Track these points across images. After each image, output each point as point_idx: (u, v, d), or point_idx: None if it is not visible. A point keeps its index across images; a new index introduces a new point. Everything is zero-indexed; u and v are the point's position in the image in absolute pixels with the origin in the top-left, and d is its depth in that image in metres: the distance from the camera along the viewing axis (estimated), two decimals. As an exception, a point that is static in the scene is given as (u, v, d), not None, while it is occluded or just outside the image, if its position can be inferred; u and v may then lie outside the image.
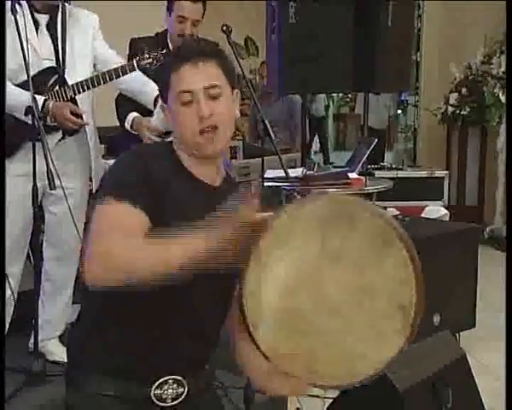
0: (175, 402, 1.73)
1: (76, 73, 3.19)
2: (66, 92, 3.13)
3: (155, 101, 3.33)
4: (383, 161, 6.81)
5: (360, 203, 1.54)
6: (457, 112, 6.80)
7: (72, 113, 3.11)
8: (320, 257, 1.51)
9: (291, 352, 1.55)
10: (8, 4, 2.99)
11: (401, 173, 5.88)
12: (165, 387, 1.71)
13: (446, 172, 6.24)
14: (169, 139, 1.79)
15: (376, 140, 4.60)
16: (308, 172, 4.25)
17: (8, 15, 2.97)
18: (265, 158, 3.26)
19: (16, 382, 3.00)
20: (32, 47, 3.08)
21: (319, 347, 1.54)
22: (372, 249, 1.49)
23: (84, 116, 3.18)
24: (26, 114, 2.96)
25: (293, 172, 3.86)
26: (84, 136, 3.28)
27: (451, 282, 3.87)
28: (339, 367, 1.55)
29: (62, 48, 3.18)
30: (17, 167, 3.12)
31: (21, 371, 3.06)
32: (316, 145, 11.67)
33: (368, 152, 4.43)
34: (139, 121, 3.41)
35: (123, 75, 3.18)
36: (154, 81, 3.23)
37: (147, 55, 3.15)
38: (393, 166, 6.30)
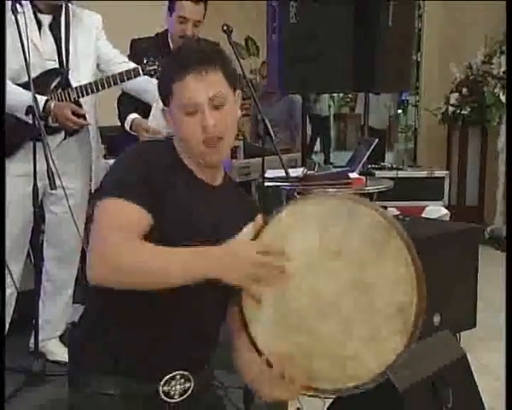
0: (182, 397, 1.73)
1: (79, 73, 3.19)
2: (69, 94, 3.14)
3: None
4: (383, 161, 6.80)
5: (361, 202, 1.54)
6: (458, 112, 6.79)
7: (73, 113, 3.11)
8: (319, 255, 1.51)
9: (287, 350, 1.55)
10: (9, 4, 2.99)
11: (401, 173, 5.86)
12: (173, 383, 1.71)
13: (446, 172, 6.23)
14: (170, 136, 1.78)
15: (377, 140, 4.59)
16: (308, 172, 4.25)
17: (9, 15, 2.97)
18: (266, 158, 3.26)
19: (16, 382, 3.01)
20: (35, 47, 3.08)
21: (315, 345, 1.54)
22: (372, 248, 1.49)
23: (86, 116, 3.19)
24: (26, 114, 2.97)
25: (293, 172, 3.85)
26: (86, 135, 3.29)
27: (451, 282, 3.86)
28: (334, 367, 1.54)
29: (66, 48, 3.18)
30: (17, 167, 3.13)
31: (21, 371, 3.07)
32: (316, 145, 11.67)
33: (368, 152, 4.43)
34: (138, 123, 3.41)
35: (127, 80, 3.19)
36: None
37: (151, 61, 3.15)
38: (394, 166, 6.29)
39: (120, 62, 3.32)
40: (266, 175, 3.39)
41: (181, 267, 1.52)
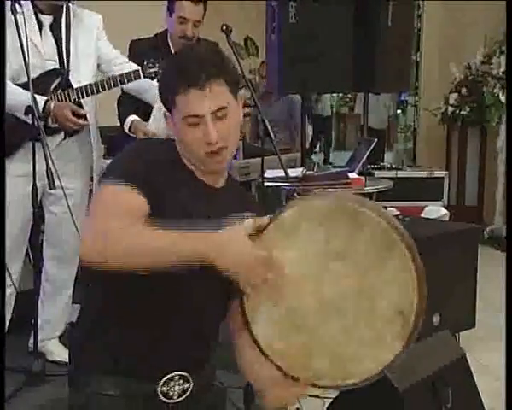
0: (181, 399, 1.73)
1: (80, 74, 3.19)
2: (69, 95, 3.14)
3: None
4: (383, 161, 6.81)
5: (366, 204, 1.53)
6: (457, 112, 6.79)
7: (73, 113, 3.11)
8: (323, 256, 1.51)
9: (288, 348, 1.55)
10: (9, 4, 2.99)
11: (401, 173, 5.87)
12: (172, 384, 1.71)
13: (446, 172, 6.24)
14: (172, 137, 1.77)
15: (376, 140, 4.60)
16: (308, 172, 4.25)
17: (9, 15, 2.97)
18: (265, 158, 3.26)
19: (16, 382, 3.01)
20: (36, 48, 3.08)
21: (316, 345, 1.54)
22: (376, 251, 1.48)
23: (87, 116, 3.19)
24: (25, 114, 2.97)
25: (293, 172, 3.85)
26: (86, 136, 3.29)
27: (451, 282, 3.86)
28: (333, 367, 1.54)
29: (66, 49, 3.18)
30: (17, 167, 3.13)
31: (21, 371, 3.07)
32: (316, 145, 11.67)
33: (368, 152, 4.43)
34: (137, 125, 3.41)
35: (128, 82, 3.19)
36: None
37: (152, 63, 3.15)
38: (393, 166, 6.30)
39: (121, 63, 3.32)
40: (266, 175, 3.40)
41: (175, 245, 1.50)
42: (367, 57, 4.65)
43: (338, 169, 5.46)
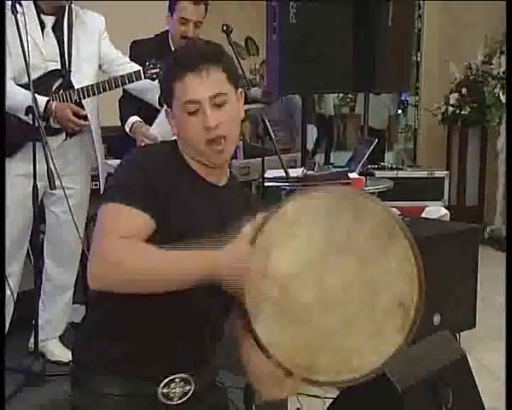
0: (182, 400, 1.73)
1: (81, 75, 3.19)
2: (70, 96, 3.14)
3: (159, 99, 3.34)
4: (383, 162, 6.80)
5: (368, 198, 1.55)
6: (458, 112, 6.79)
7: (74, 114, 3.11)
8: (325, 248, 1.51)
9: (291, 346, 1.56)
10: (9, 4, 2.99)
11: (401, 173, 5.88)
12: (173, 385, 1.71)
13: (446, 172, 6.24)
14: (173, 138, 1.77)
15: (377, 140, 4.60)
16: (308, 172, 4.25)
17: (9, 15, 2.97)
18: (266, 158, 3.26)
19: (16, 382, 3.00)
20: (37, 48, 3.08)
21: (318, 339, 1.54)
22: (377, 243, 1.50)
23: (88, 116, 3.19)
24: (26, 114, 2.97)
25: (293, 172, 3.86)
26: (87, 136, 3.29)
27: (451, 282, 3.87)
28: (337, 362, 1.55)
29: (68, 50, 3.18)
30: (18, 167, 3.13)
31: (21, 371, 3.06)
32: (311, 145, 11.65)
33: (368, 152, 4.43)
34: (138, 126, 3.41)
35: (129, 83, 3.19)
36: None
37: (153, 64, 3.15)
38: (394, 166, 6.30)
39: (123, 63, 3.32)
40: (266, 175, 3.40)
41: (179, 269, 1.52)
42: (367, 57, 4.65)
43: (338, 169, 5.46)
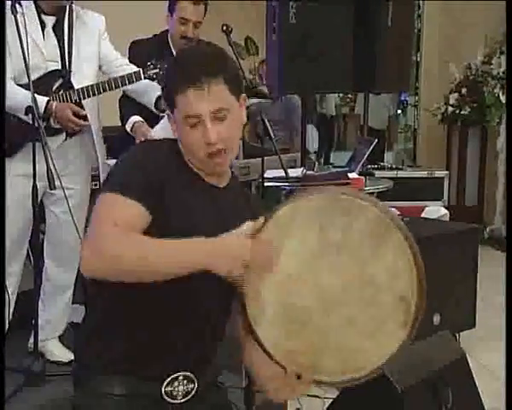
0: (185, 399, 1.73)
1: (82, 75, 3.20)
2: (71, 96, 3.14)
3: (156, 103, 3.34)
4: (383, 161, 6.80)
5: (359, 195, 1.55)
6: (457, 112, 6.79)
7: (74, 114, 3.12)
8: (320, 250, 1.52)
9: (293, 347, 1.56)
10: (9, 4, 2.99)
11: (401, 173, 5.87)
12: (176, 384, 1.71)
13: (446, 172, 6.24)
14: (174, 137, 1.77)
15: (376, 140, 4.60)
16: (308, 172, 4.25)
17: (9, 15, 2.97)
18: (265, 158, 3.26)
19: (16, 382, 3.00)
20: (38, 48, 3.08)
21: (321, 341, 1.55)
22: (371, 240, 1.50)
23: (88, 116, 3.19)
24: (26, 114, 2.97)
25: (293, 172, 3.85)
26: (87, 136, 3.29)
27: (451, 282, 3.87)
28: (340, 361, 1.55)
29: (68, 50, 3.18)
30: (18, 167, 3.13)
31: (21, 371, 3.07)
32: (315, 145, 11.64)
33: (368, 152, 4.43)
34: (139, 126, 3.41)
35: (129, 83, 3.19)
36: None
37: (153, 65, 3.15)
38: (393, 166, 6.29)
39: (122, 65, 3.32)
40: (266, 175, 3.40)
41: (177, 261, 1.52)
42: (367, 57, 4.64)
43: (338, 169, 5.45)
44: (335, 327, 1.53)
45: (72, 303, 3.48)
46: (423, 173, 6.06)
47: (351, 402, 2.38)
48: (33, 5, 3.11)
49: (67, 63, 3.18)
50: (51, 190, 2.93)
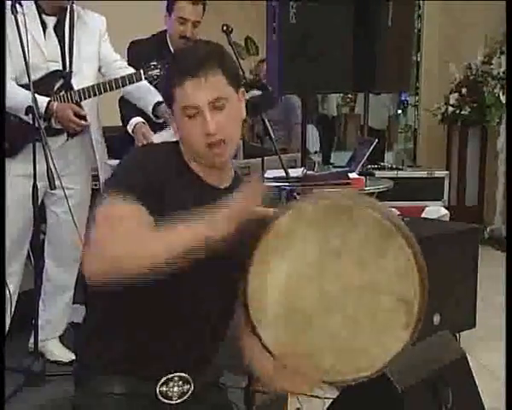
0: (181, 400, 1.73)
1: (82, 76, 3.20)
2: (71, 97, 3.14)
3: (153, 110, 3.33)
4: (383, 161, 6.80)
5: (359, 198, 1.56)
6: (457, 112, 6.79)
7: (75, 114, 3.12)
8: (321, 254, 1.52)
9: (296, 349, 1.56)
10: (10, 5, 2.99)
11: (401, 173, 5.87)
12: (171, 384, 1.71)
13: (446, 172, 6.23)
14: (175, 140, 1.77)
15: (376, 140, 4.60)
16: (308, 172, 4.25)
17: (9, 15, 2.97)
18: (265, 158, 3.26)
19: (16, 382, 3.00)
20: (39, 49, 3.08)
21: (324, 343, 1.55)
22: (372, 244, 1.50)
23: (87, 117, 3.19)
24: (26, 114, 2.97)
25: (293, 172, 3.86)
26: (87, 137, 3.29)
27: (451, 282, 3.87)
28: (343, 363, 1.56)
29: (69, 50, 3.18)
30: (18, 167, 3.13)
31: (21, 371, 3.07)
32: (316, 145, 11.64)
33: (368, 152, 4.43)
34: (140, 127, 3.41)
35: (129, 84, 3.19)
36: (157, 88, 3.24)
37: (154, 66, 3.14)
38: (394, 166, 6.29)
39: (121, 67, 3.32)
40: (266, 175, 3.40)
41: (181, 232, 1.51)
42: (367, 57, 4.64)
43: (338, 169, 5.45)
44: (338, 328, 1.54)
45: (73, 303, 3.49)
46: (423, 173, 6.06)
47: (351, 402, 2.38)
48: (34, 5, 3.11)
49: (68, 64, 3.18)
50: (51, 190, 2.94)
